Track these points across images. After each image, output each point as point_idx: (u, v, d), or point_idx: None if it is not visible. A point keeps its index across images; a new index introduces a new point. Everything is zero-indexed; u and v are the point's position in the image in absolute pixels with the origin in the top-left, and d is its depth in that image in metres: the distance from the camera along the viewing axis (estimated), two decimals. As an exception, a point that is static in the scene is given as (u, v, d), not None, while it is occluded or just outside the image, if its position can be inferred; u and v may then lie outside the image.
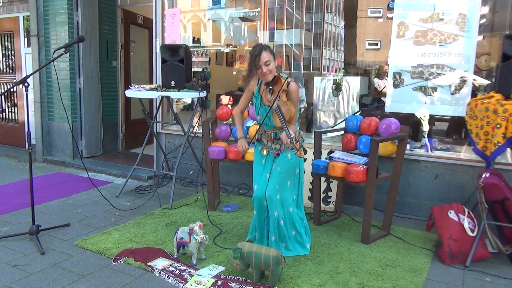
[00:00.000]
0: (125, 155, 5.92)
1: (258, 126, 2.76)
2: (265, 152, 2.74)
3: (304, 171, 3.86)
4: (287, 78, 2.59)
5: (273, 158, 2.73)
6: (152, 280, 2.45)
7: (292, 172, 2.72)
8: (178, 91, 3.99)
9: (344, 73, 5.53)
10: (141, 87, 4.09)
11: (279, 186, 2.68)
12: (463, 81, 3.45)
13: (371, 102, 4.88)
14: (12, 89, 6.30)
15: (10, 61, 6.35)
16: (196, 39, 5.57)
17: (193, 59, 5.08)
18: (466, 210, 2.83)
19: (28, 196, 3.37)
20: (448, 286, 2.47)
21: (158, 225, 3.33)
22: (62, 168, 5.33)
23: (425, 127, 3.68)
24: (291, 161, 2.68)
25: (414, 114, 3.72)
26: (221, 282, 2.42)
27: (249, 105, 3.68)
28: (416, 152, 3.65)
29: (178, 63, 4.11)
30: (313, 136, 3.54)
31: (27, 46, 6.02)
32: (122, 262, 2.66)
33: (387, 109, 3.80)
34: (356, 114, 3.82)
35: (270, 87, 2.58)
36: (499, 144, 2.89)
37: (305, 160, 3.88)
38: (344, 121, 3.59)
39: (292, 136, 2.37)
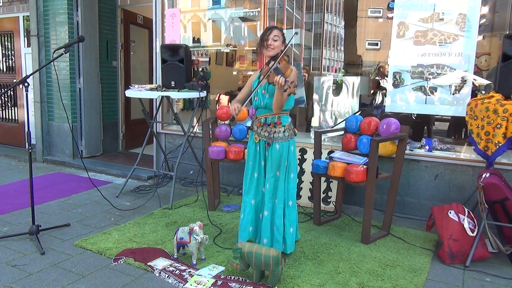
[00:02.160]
0: (125, 155, 5.92)
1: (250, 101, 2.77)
2: (256, 139, 2.76)
3: (304, 171, 3.88)
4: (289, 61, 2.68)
5: (265, 148, 2.74)
6: (152, 280, 2.45)
7: (283, 163, 2.70)
8: (178, 91, 3.99)
9: (344, 73, 5.54)
10: (141, 87, 4.08)
11: (269, 175, 2.72)
12: (463, 81, 3.45)
13: (371, 102, 4.89)
14: (12, 89, 6.30)
15: (10, 61, 6.36)
16: (196, 39, 5.58)
17: (193, 59, 5.08)
18: (466, 210, 2.83)
19: (28, 196, 3.37)
20: (448, 286, 2.47)
21: (158, 225, 3.33)
22: (62, 168, 5.33)
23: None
24: (279, 151, 2.67)
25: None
26: (221, 282, 2.42)
27: (250, 104, 3.67)
28: (416, 152, 3.65)
29: (178, 63, 4.11)
30: (313, 136, 3.53)
31: (27, 46, 6.02)
32: (122, 262, 2.66)
33: (387, 109, 3.80)
34: (356, 114, 3.82)
35: (271, 60, 2.67)
36: (500, 144, 2.89)
37: (305, 160, 3.89)
38: (344, 121, 3.59)
39: (286, 79, 2.40)
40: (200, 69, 5.54)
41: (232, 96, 5.61)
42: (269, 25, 5.01)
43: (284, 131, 2.69)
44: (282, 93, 2.50)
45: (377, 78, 4.98)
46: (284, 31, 2.82)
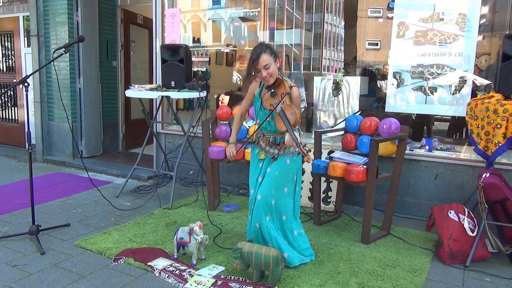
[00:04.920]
0: (125, 155, 5.92)
1: (256, 128, 2.65)
2: (262, 156, 2.63)
3: (304, 171, 3.88)
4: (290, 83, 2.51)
5: (270, 162, 2.60)
6: (152, 280, 2.45)
7: (290, 179, 2.59)
8: (178, 91, 3.99)
9: (344, 73, 5.53)
10: (141, 87, 4.09)
11: (275, 191, 2.56)
12: (463, 81, 3.45)
13: (371, 102, 4.89)
14: (12, 89, 6.30)
15: (10, 61, 6.36)
16: (196, 39, 5.57)
17: (193, 59, 5.08)
18: (466, 210, 2.83)
19: (28, 196, 3.37)
20: (448, 286, 2.47)
21: (158, 225, 3.32)
22: (62, 168, 5.33)
23: None
24: (289, 166, 2.56)
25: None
26: (221, 282, 2.42)
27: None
28: (416, 152, 3.65)
29: (178, 63, 4.11)
30: (313, 136, 3.54)
31: (27, 46, 6.02)
32: (122, 262, 2.66)
33: (387, 109, 3.80)
34: (356, 114, 3.82)
35: (272, 90, 2.47)
36: (500, 144, 2.89)
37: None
38: (344, 121, 3.59)
39: (299, 141, 2.28)
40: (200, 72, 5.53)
41: (232, 96, 5.60)
42: (269, 25, 5.01)
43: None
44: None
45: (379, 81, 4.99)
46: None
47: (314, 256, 2.74)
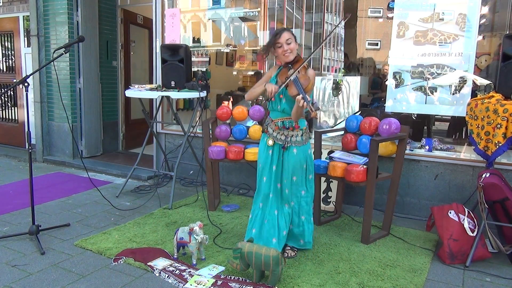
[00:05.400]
0: (125, 155, 5.92)
1: (267, 113, 2.73)
2: (270, 142, 2.68)
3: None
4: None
5: (280, 151, 2.69)
6: (152, 280, 2.45)
7: (300, 168, 2.68)
8: (178, 91, 3.99)
9: (344, 73, 5.54)
10: (141, 87, 4.09)
11: (287, 180, 2.69)
12: (463, 81, 3.45)
13: (371, 101, 4.89)
14: (12, 89, 6.30)
15: (10, 61, 6.36)
16: (196, 39, 5.58)
17: (193, 59, 5.08)
18: (466, 210, 2.83)
19: (28, 196, 3.37)
20: (448, 286, 2.47)
21: (158, 225, 3.33)
22: (62, 168, 5.33)
23: None
24: (297, 156, 2.64)
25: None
26: (221, 282, 2.42)
27: (250, 104, 3.65)
28: (416, 152, 3.65)
29: (178, 63, 4.11)
30: (313, 136, 3.54)
31: (27, 46, 6.02)
32: (122, 262, 2.66)
33: (387, 109, 3.80)
34: (356, 114, 3.82)
35: (290, 65, 2.59)
36: (500, 144, 2.89)
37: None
38: (344, 121, 3.59)
39: (309, 100, 2.36)
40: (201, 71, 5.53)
41: (232, 96, 5.60)
42: (269, 25, 5.01)
43: (302, 135, 2.66)
44: (302, 108, 2.43)
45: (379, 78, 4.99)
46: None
47: (311, 245, 2.90)
